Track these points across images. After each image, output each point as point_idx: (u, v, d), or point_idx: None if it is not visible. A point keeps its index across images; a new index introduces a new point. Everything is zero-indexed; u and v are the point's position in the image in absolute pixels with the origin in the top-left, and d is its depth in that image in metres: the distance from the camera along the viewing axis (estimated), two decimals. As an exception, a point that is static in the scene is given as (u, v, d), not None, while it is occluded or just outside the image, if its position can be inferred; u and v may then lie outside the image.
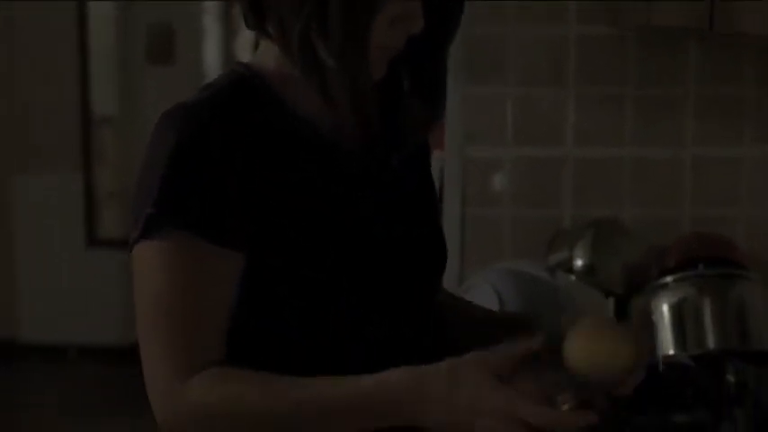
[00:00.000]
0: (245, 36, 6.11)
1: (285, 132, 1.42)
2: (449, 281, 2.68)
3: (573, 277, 2.48)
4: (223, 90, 1.41)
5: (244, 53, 6.06)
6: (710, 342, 2.23)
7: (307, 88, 1.40)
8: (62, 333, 5.94)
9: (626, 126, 2.67)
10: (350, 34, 1.34)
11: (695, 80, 2.65)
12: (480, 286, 2.25)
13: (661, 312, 2.29)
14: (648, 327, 2.30)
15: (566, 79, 2.65)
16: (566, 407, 1.26)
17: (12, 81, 5.83)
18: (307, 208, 1.40)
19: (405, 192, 1.56)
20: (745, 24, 1.60)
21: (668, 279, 2.32)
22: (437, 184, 3.08)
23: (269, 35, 1.42)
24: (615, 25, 2.55)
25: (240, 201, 1.34)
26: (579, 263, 2.50)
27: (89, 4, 5.82)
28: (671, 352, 2.22)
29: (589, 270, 2.49)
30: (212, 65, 6.24)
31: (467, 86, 2.64)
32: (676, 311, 2.27)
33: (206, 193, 1.33)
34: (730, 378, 1.97)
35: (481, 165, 2.67)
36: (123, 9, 6.06)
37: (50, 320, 5.94)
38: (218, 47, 6.40)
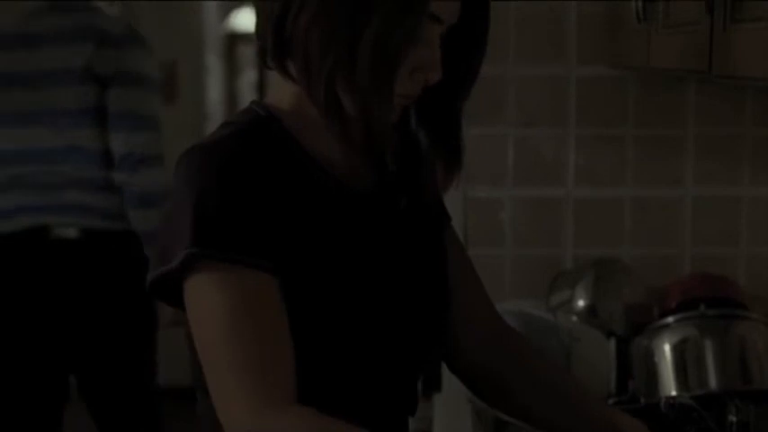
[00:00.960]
0: (249, 74, 6.16)
1: (300, 171, 1.44)
2: (450, 321, 2.70)
3: (574, 318, 2.48)
4: (243, 128, 1.43)
5: (247, 91, 6.10)
6: (712, 382, 2.23)
7: (322, 130, 1.42)
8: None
9: (626, 166, 2.69)
10: (376, 83, 1.36)
11: (695, 120, 2.67)
12: (481, 327, 2.25)
13: (663, 353, 2.29)
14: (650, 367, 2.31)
15: (566, 119, 2.66)
16: None
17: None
18: (318, 245, 1.42)
19: (414, 241, 1.57)
20: (743, 67, 1.61)
21: (669, 319, 2.32)
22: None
23: (290, 76, 1.44)
24: (615, 66, 2.57)
25: (264, 231, 1.36)
26: (580, 303, 2.51)
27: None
28: (673, 393, 2.22)
29: (590, 310, 2.50)
30: (215, 103, 6.27)
31: (467, 126, 2.63)
32: (678, 352, 2.28)
33: (237, 224, 1.34)
34: (732, 418, 1.97)
35: (482, 205, 2.68)
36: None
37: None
38: (222, 85, 6.43)
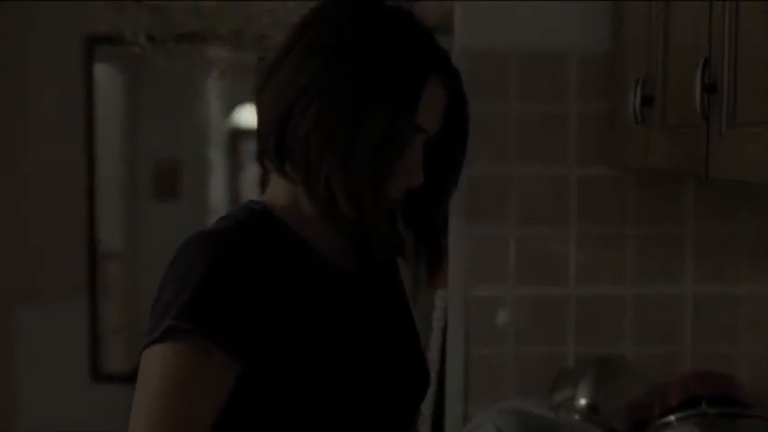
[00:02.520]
0: (252, 171, 6.19)
1: (297, 261, 1.53)
2: (453, 420, 2.71)
3: (576, 416, 2.49)
4: (243, 221, 1.53)
5: (250, 188, 6.13)
6: (714, 481, 2.23)
7: (315, 222, 1.54)
8: (64, 469, 5.89)
9: (627, 264, 2.71)
10: (370, 187, 1.47)
11: (693, 219, 2.70)
12: (484, 426, 2.26)
13: (664, 451, 2.29)
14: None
15: (567, 218, 2.69)
16: None
17: (20, 213, 5.89)
18: (310, 328, 1.50)
19: (394, 319, 1.70)
20: (740, 172, 1.64)
21: (671, 418, 2.32)
22: (441, 323, 3.11)
23: (288, 176, 1.54)
24: (614, 166, 2.61)
25: (254, 316, 1.43)
26: (582, 401, 2.51)
27: (96, 139, 5.90)
28: (675, 491, 2.22)
29: (592, 409, 2.50)
30: (219, 200, 6.30)
31: (469, 226, 2.68)
32: (680, 450, 2.28)
33: (228, 308, 1.41)
34: None
35: (484, 303, 2.69)
36: (130, 144, 6.14)
37: (52, 456, 5.89)
38: (225, 182, 6.46)
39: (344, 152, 1.45)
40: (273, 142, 1.51)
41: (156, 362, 1.42)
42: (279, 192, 1.57)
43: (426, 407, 3.19)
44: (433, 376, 3.13)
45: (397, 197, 1.54)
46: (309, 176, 1.49)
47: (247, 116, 6.24)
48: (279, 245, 1.52)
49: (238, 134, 6.43)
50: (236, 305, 1.42)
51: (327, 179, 1.47)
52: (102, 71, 5.89)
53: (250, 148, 6.14)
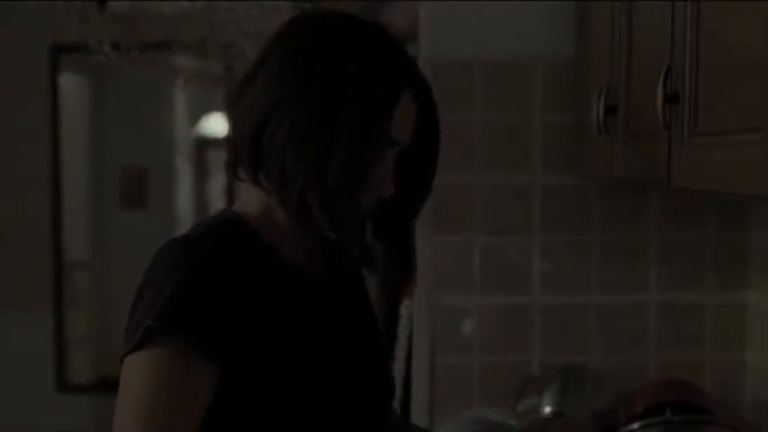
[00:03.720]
0: (218, 180, 6.18)
1: (267, 269, 1.54)
2: (419, 429, 2.69)
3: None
4: (215, 228, 1.55)
5: (217, 197, 6.12)
6: (679, 488, 2.24)
7: (287, 230, 1.57)
8: (30, 480, 5.85)
9: (591, 272, 2.71)
10: (343, 197, 1.50)
11: (657, 227, 2.71)
12: (450, 435, 2.26)
13: (629, 459, 2.30)
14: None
15: (531, 227, 2.69)
16: None
17: (-16, 225, 5.86)
18: (282, 334, 1.51)
19: (361, 328, 1.72)
20: (702, 181, 1.65)
21: (636, 425, 2.33)
22: (407, 332, 3.11)
23: (261, 186, 1.56)
24: (579, 175, 2.61)
25: (228, 321, 1.44)
26: (548, 409, 2.52)
27: (62, 149, 5.88)
28: (640, 499, 2.23)
29: (558, 416, 2.50)
30: (185, 209, 6.28)
31: (434, 234, 2.68)
32: (644, 458, 2.29)
33: (204, 312, 1.42)
34: None
35: (450, 312, 2.69)
36: (96, 153, 6.12)
37: (17, 468, 5.85)
38: (191, 191, 6.45)
39: (319, 163, 1.48)
40: (248, 153, 1.53)
41: (135, 369, 1.41)
42: (251, 201, 1.59)
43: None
44: (399, 385, 3.13)
45: (369, 206, 1.56)
46: (283, 186, 1.51)
47: (214, 125, 6.23)
48: (250, 252, 1.53)
49: (205, 143, 6.42)
50: (210, 310, 1.42)
51: (302, 189, 1.49)
52: (67, 80, 5.87)
53: (216, 156, 6.13)
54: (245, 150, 1.53)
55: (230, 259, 1.48)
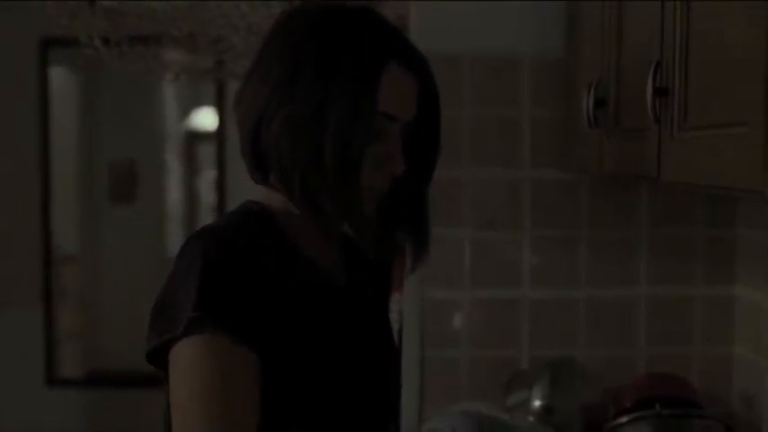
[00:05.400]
0: (208, 174, 6.17)
1: (289, 262, 1.54)
2: (409, 423, 2.71)
3: (530, 418, 2.50)
4: (241, 218, 1.56)
5: (207, 192, 6.11)
6: (668, 482, 2.25)
7: (309, 228, 1.56)
8: (19, 475, 5.85)
9: (581, 267, 2.72)
10: (343, 180, 1.49)
11: (647, 221, 2.72)
12: (439, 428, 2.26)
13: (618, 453, 2.31)
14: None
15: (521, 222, 2.70)
16: None
17: (-27, 219, 5.85)
18: (302, 325, 1.50)
19: (375, 324, 1.72)
20: (691, 175, 1.65)
21: (624, 419, 2.34)
22: (397, 326, 3.12)
23: (274, 186, 1.57)
24: (568, 170, 2.62)
25: (258, 310, 1.44)
26: (537, 403, 2.52)
27: (51, 143, 5.87)
28: (628, 492, 2.23)
29: (547, 411, 2.51)
30: (175, 203, 6.27)
31: (425, 229, 2.68)
32: (633, 452, 2.29)
33: (237, 302, 1.42)
34: None
35: (439, 306, 2.70)
36: (85, 147, 6.11)
37: (7, 462, 5.85)
38: (181, 185, 6.43)
39: (313, 149, 1.48)
40: (249, 152, 1.55)
41: (189, 356, 1.40)
42: (273, 196, 1.59)
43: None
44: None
45: (382, 187, 1.56)
46: (287, 179, 1.52)
47: (203, 120, 6.22)
48: (271, 245, 1.53)
49: (194, 137, 6.40)
50: (244, 301, 1.42)
51: (303, 179, 1.50)
52: (57, 73, 5.85)
53: (206, 151, 6.12)
54: (248, 155, 1.55)
55: (252, 249, 1.48)
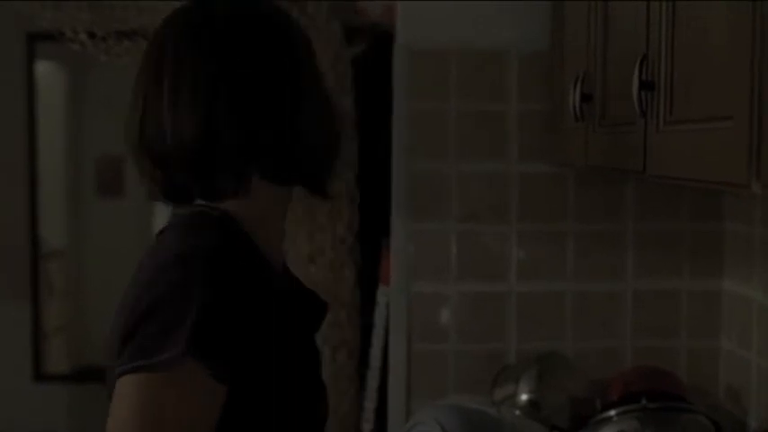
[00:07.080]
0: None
1: (264, 275, 1.51)
2: (396, 416, 2.71)
3: (517, 412, 2.50)
4: (219, 235, 1.48)
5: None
6: (654, 475, 2.25)
7: (268, 227, 1.57)
8: (6, 470, 5.83)
9: (567, 260, 2.72)
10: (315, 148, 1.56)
11: (634, 215, 2.72)
12: (426, 422, 2.26)
13: (605, 446, 2.31)
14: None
15: (507, 215, 2.70)
16: None
17: (-40, 214, 5.82)
18: (275, 342, 1.47)
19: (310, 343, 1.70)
20: (677, 168, 1.65)
21: (611, 413, 2.34)
22: (383, 320, 3.12)
23: (244, 194, 1.53)
24: (555, 163, 2.62)
25: (242, 344, 1.40)
26: (524, 397, 2.52)
27: (38, 137, 5.85)
28: (615, 485, 2.24)
29: (534, 404, 2.51)
30: (162, 197, 6.27)
31: (410, 222, 2.68)
32: (620, 445, 2.29)
33: (226, 339, 1.38)
34: None
35: (426, 300, 2.70)
36: (72, 142, 6.09)
37: (-6, 457, 5.83)
38: (168, 179, 6.43)
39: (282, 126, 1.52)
40: (203, 177, 1.56)
41: (147, 389, 1.36)
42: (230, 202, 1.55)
43: (370, 403, 3.19)
44: (376, 373, 3.13)
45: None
46: (234, 174, 1.52)
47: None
48: (253, 265, 1.49)
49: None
50: (230, 336, 1.38)
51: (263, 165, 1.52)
52: (43, 68, 5.83)
53: (194, 145, 6.13)
54: (201, 176, 1.54)
55: (239, 273, 1.43)
